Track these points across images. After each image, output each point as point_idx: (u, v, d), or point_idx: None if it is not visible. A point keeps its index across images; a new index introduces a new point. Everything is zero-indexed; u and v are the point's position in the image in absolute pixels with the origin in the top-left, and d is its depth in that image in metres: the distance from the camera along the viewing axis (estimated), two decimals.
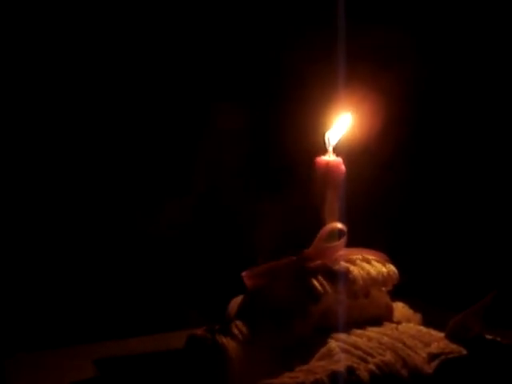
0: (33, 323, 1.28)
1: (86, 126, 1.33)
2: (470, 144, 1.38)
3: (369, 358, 0.84)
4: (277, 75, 1.36)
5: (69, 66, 1.32)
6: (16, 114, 1.30)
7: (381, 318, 0.96)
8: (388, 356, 0.84)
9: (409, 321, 1.01)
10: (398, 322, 0.97)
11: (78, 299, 1.33)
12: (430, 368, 0.83)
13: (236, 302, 1.00)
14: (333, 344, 0.88)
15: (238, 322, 0.93)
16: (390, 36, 1.31)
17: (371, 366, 0.82)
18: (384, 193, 1.32)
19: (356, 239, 0.98)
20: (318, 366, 0.84)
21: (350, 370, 0.82)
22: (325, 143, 0.99)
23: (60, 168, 1.33)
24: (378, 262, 0.98)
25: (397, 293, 1.00)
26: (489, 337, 0.91)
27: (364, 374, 0.82)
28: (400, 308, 1.03)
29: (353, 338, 0.88)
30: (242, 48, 1.36)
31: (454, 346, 0.87)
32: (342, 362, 0.83)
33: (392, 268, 0.98)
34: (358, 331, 0.91)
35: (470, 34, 1.38)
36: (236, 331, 0.92)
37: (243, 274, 0.97)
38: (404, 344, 0.86)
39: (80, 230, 1.35)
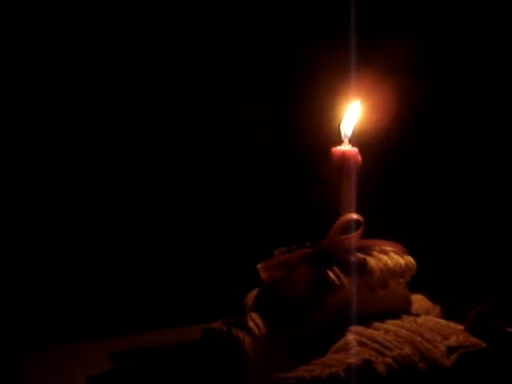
0: (49, 317, 1.28)
1: (90, 128, 1.33)
2: (484, 134, 1.36)
3: (386, 352, 0.82)
4: (292, 67, 1.35)
5: (86, 62, 1.32)
6: (16, 114, 1.29)
7: (399, 310, 0.94)
8: (406, 349, 0.82)
9: (428, 313, 0.99)
10: (417, 315, 0.95)
11: (95, 293, 1.33)
12: (448, 361, 0.82)
13: (252, 295, 0.99)
14: (349, 337, 0.86)
15: (254, 315, 0.92)
16: (401, 32, 1.30)
17: (388, 360, 0.81)
18: (400, 183, 1.31)
19: (373, 230, 0.96)
20: (334, 359, 0.83)
21: (367, 364, 0.80)
22: (340, 134, 0.98)
23: (62, 159, 1.32)
24: (395, 253, 0.96)
25: (416, 284, 0.99)
26: (509, 329, 0.89)
27: (381, 368, 0.80)
28: (419, 300, 1.01)
29: (370, 331, 0.87)
30: (256, 41, 1.36)
31: (473, 339, 0.85)
32: (358, 356, 0.81)
33: (410, 259, 0.96)
34: (376, 324, 0.89)
35: (482, 30, 1.37)
36: (251, 324, 0.91)
37: (258, 266, 0.96)
38: (422, 337, 0.85)
39: (96, 222, 1.35)
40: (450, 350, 0.83)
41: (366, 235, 0.96)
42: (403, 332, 0.86)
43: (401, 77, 1.26)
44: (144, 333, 1.21)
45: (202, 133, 1.36)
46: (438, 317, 0.98)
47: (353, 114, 0.99)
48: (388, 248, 0.96)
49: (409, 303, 0.97)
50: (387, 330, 0.87)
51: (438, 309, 1.02)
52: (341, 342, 0.86)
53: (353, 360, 0.81)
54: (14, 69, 1.28)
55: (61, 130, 1.31)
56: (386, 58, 1.26)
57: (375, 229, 0.96)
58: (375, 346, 0.83)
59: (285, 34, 1.33)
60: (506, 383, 0.84)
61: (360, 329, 0.88)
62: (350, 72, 1.09)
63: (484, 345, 0.84)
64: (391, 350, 0.82)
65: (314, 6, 1.34)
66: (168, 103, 1.35)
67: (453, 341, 0.84)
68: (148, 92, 1.34)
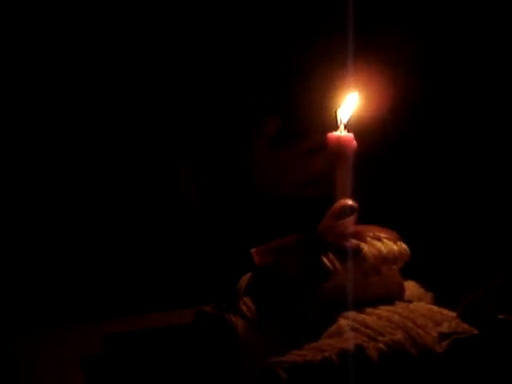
0: (41, 300, 1.29)
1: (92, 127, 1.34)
2: (480, 125, 1.38)
3: (378, 337, 0.83)
4: (294, 60, 1.36)
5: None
6: (16, 114, 1.31)
7: (392, 296, 0.95)
8: (398, 335, 0.83)
9: (420, 299, 0.99)
10: (410, 301, 0.96)
11: (87, 275, 1.34)
12: (440, 347, 0.82)
13: (246, 279, 0.99)
14: (342, 322, 0.87)
15: (247, 299, 0.93)
16: (400, 27, 1.32)
17: (381, 345, 0.81)
18: (394, 171, 1.33)
19: (366, 216, 0.97)
20: (327, 343, 0.84)
21: (359, 349, 0.81)
22: (336, 120, 0.99)
23: (62, 156, 1.34)
24: (388, 239, 0.96)
25: (408, 271, 0.99)
26: (501, 316, 0.90)
27: (373, 353, 0.81)
28: (411, 287, 1.02)
29: (362, 317, 0.87)
30: (258, 32, 1.37)
31: (465, 326, 0.86)
32: (351, 341, 0.82)
33: (403, 246, 0.96)
34: (369, 309, 0.90)
35: (479, 27, 1.39)
36: (244, 308, 0.91)
37: (252, 250, 0.96)
38: (415, 323, 0.85)
39: (86, 208, 1.36)
40: (443, 336, 0.83)
41: (360, 221, 0.97)
42: (396, 318, 0.86)
43: (398, 69, 1.28)
44: (137, 315, 1.22)
45: (201, 126, 1.37)
46: (430, 303, 0.99)
47: (350, 102, 0.99)
48: (382, 234, 0.96)
49: (402, 289, 0.98)
50: (380, 316, 0.87)
51: (429, 295, 1.03)
52: (334, 327, 0.86)
53: (345, 345, 0.81)
54: (14, 69, 1.28)
55: (60, 129, 1.33)
56: (384, 52, 1.28)
57: (369, 215, 0.97)
58: (367, 331, 0.84)
59: (287, 28, 1.35)
60: (498, 370, 0.85)
61: (353, 314, 0.88)
62: (349, 64, 1.10)
63: (476, 331, 0.84)
64: (383, 336, 0.83)
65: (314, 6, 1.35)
66: (161, 102, 1.36)
67: (445, 327, 0.85)
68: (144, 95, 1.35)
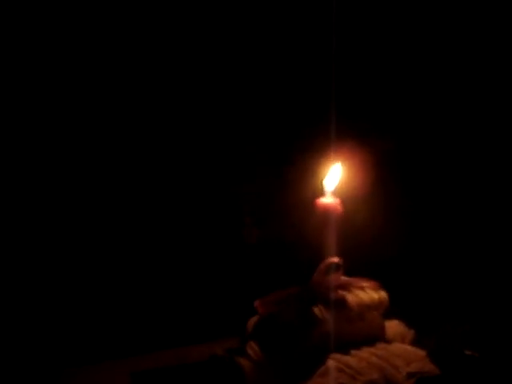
0: (69, 339, 1.35)
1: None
2: (460, 192, 1.50)
3: (359, 377, 1.00)
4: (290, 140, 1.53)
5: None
6: (16, 114, 1.33)
7: (375, 336, 1.11)
8: (375, 375, 1.00)
9: (403, 336, 1.15)
10: (390, 341, 1.12)
11: (112, 316, 1.41)
12: None
13: (253, 322, 1.15)
14: (330, 363, 1.04)
15: (252, 343, 1.09)
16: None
17: None
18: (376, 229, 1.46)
19: (352, 270, 1.14)
20: (318, 382, 1.01)
21: None
22: (323, 188, 1.15)
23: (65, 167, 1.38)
24: (371, 289, 1.13)
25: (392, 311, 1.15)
26: (468, 352, 1.06)
27: None
28: (394, 325, 1.17)
29: (346, 358, 1.04)
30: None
31: (431, 366, 1.02)
32: (336, 380, 0.99)
33: (383, 294, 1.13)
34: (353, 351, 1.06)
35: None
36: (251, 351, 1.08)
37: (256, 303, 1.13)
38: (389, 363, 1.02)
39: (117, 252, 1.45)
40: (410, 375, 1.00)
41: (346, 273, 1.13)
42: (374, 359, 1.03)
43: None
44: (160, 351, 1.31)
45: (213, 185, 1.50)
46: (411, 340, 1.15)
47: (335, 173, 1.16)
48: (364, 284, 1.13)
49: (382, 331, 1.14)
50: (361, 358, 1.04)
51: (411, 333, 1.17)
52: (323, 368, 1.04)
53: None
54: (14, 69, 1.32)
55: (61, 130, 1.36)
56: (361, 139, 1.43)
57: (354, 267, 1.14)
58: (350, 371, 1.01)
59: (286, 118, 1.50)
60: None
61: (339, 356, 1.05)
62: (333, 144, 1.24)
63: (438, 372, 1.01)
64: (362, 375, 1.00)
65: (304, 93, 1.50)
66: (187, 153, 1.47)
67: (413, 367, 1.01)
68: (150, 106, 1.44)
